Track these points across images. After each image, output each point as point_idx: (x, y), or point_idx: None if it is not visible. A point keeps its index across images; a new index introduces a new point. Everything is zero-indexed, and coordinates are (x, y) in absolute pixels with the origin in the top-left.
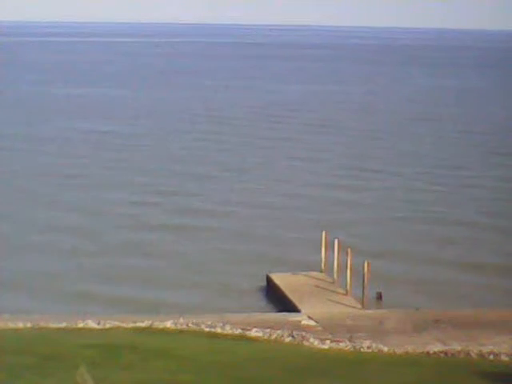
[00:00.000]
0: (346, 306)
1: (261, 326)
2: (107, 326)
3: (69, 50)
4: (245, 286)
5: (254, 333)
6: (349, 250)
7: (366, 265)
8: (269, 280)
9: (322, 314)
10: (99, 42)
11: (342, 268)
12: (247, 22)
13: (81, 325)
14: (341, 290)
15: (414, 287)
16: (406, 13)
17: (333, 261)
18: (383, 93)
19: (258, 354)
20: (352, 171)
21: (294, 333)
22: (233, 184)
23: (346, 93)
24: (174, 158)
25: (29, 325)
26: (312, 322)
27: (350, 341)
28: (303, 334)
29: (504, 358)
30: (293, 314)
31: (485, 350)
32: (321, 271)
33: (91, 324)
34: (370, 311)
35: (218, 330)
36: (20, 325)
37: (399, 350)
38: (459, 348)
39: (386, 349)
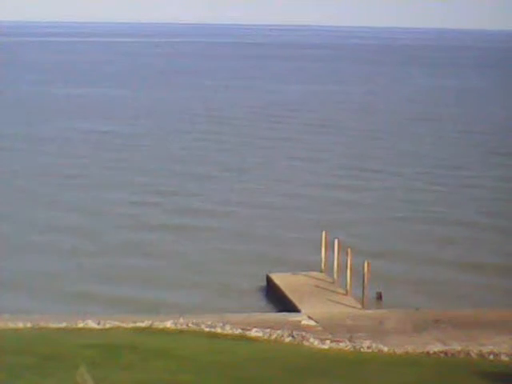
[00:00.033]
0: (346, 305)
1: (261, 325)
2: (107, 325)
3: (69, 50)
4: (245, 285)
5: (254, 333)
6: (349, 250)
7: (365, 265)
8: (269, 280)
9: (322, 313)
10: (99, 42)
11: (342, 268)
12: (247, 22)
13: (81, 325)
14: (341, 290)
15: (414, 287)
16: (406, 13)
17: (333, 261)
18: (383, 93)
19: (258, 353)
20: (352, 171)
21: (294, 333)
22: (233, 184)
23: (346, 93)
24: (174, 157)
25: (29, 325)
26: (312, 322)
27: (350, 341)
28: (303, 334)
29: (504, 357)
30: (293, 314)
31: (485, 349)
32: (321, 271)
33: (91, 324)
34: (369, 311)
35: (218, 330)
36: (20, 325)
37: (399, 350)
38: (459, 348)
39: (385, 349)
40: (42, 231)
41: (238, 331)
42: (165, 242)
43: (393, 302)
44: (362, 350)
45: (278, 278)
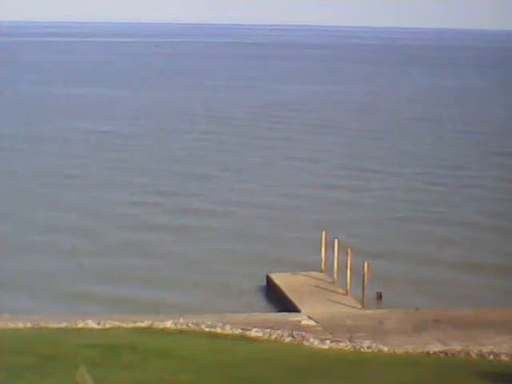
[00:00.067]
0: (346, 305)
1: (261, 325)
2: (107, 326)
3: (69, 50)
4: (245, 285)
5: (254, 333)
6: (349, 250)
7: (365, 265)
8: (269, 280)
9: (322, 313)
10: (99, 42)
11: (342, 268)
12: (247, 22)
13: (81, 325)
14: (341, 290)
15: (414, 287)
16: (406, 13)
17: (333, 261)
18: (383, 93)
19: (258, 353)
20: (352, 171)
21: (294, 333)
22: (233, 184)
23: (346, 93)
24: (174, 157)
25: (29, 325)
26: (312, 322)
27: (350, 341)
28: (303, 334)
29: (504, 357)
30: (293, 314)
31: (485, 349)
32: (321, 271)
33: (91, 324)
34: (370, 311)
35: (218, 330)
36: (20, 325)
37: (399, 350)
38: (459, 348)
39: (386, 349)
40: (41, 231)
41: (238, 331)
42: (165, 242)
43: (393, 302)
44: (362, 350)
45: (278, 278)
